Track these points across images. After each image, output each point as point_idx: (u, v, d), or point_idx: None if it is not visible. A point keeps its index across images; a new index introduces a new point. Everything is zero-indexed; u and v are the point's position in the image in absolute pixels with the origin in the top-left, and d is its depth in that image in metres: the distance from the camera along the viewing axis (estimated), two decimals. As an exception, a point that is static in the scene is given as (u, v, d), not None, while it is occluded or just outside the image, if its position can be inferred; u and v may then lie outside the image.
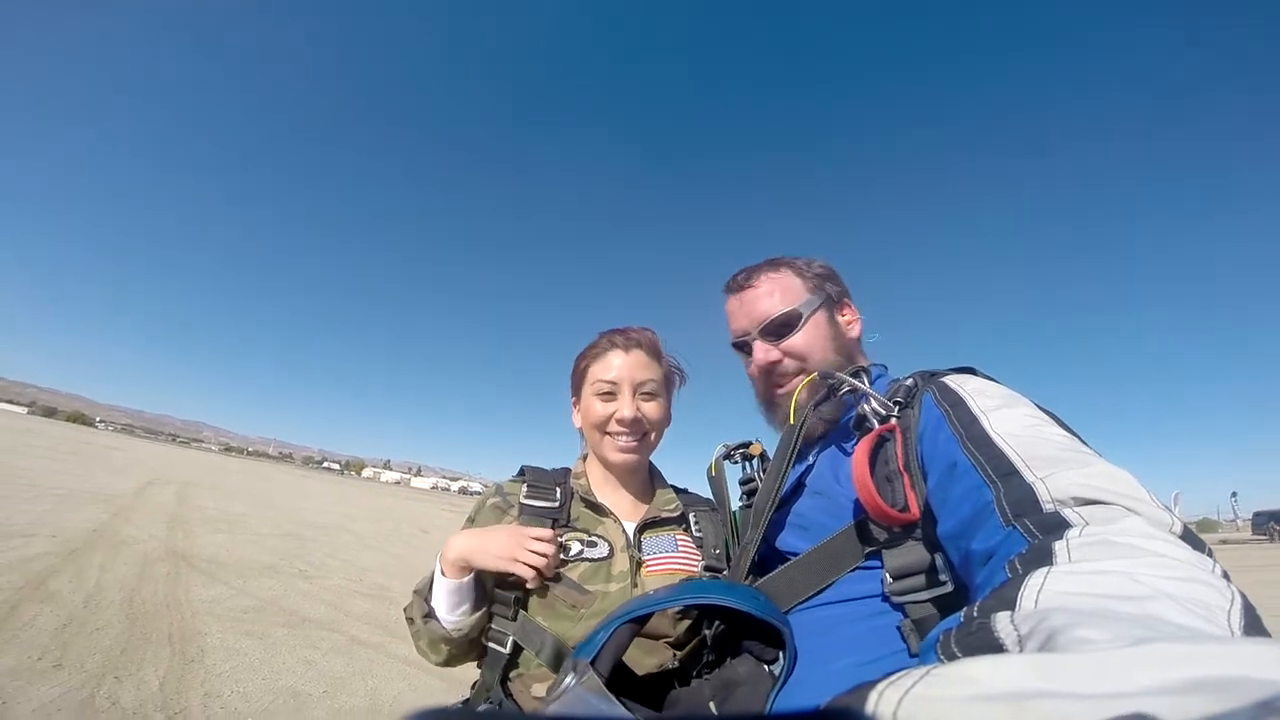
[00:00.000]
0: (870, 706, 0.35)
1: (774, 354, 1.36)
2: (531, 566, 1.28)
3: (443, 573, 1.31)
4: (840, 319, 1.41)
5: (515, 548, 1.29)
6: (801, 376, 1.34)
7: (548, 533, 1.36)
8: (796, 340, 1.35)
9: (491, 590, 1.37)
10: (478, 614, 1.33)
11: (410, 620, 1.39)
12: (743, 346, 1.44)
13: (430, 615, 1.33)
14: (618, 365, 1.48)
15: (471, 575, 1.32)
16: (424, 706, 0.31)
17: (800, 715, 0.63)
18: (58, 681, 3.82)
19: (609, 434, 1.48)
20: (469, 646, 1.37)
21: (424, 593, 1.37)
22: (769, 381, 1.40)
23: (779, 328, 1.36)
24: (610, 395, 1.47)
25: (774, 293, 1.39)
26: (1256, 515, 50.56)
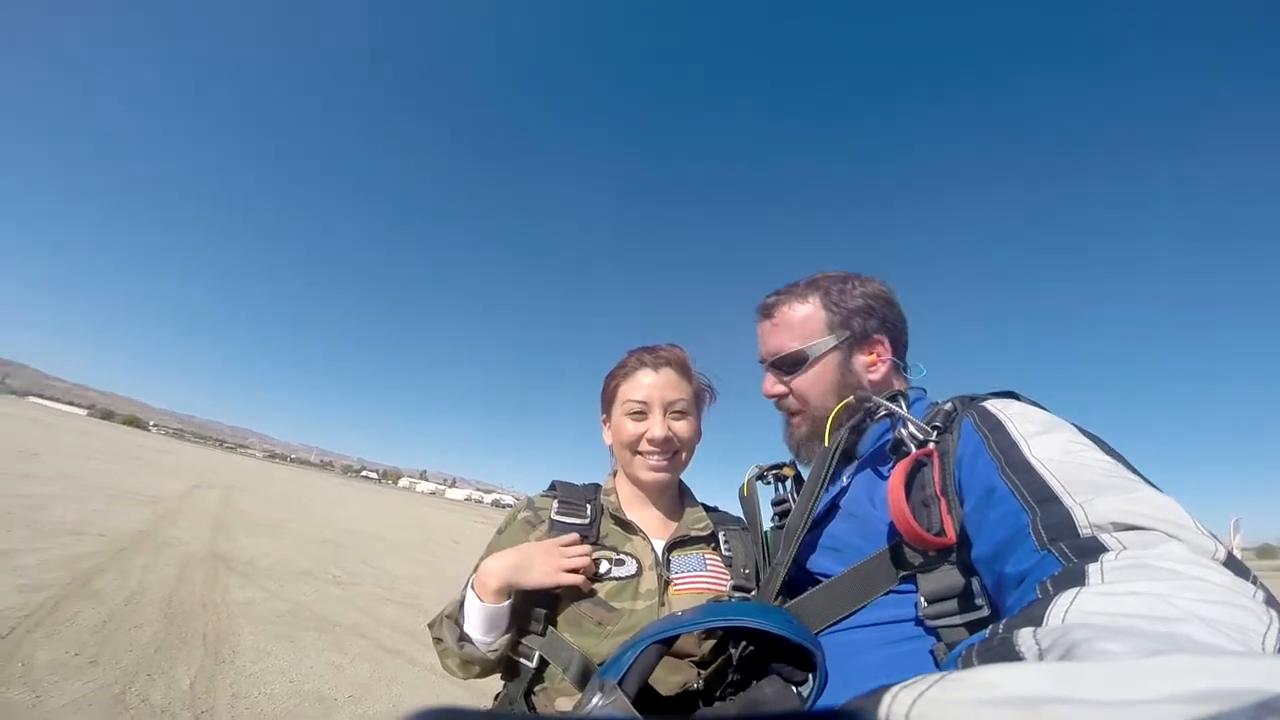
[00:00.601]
0: (884, 708, 0.35)
1: (779, 388, 1.39)
2: (577, 571, 1.30)
3: (480, 598, 1.29)
4: (860, 358, 1.35)
5: (557, 559, 1.30)
6: (802, 415, 1.37)
7: (575, 537, 1.38)
8: (799, 381, 1.36)
9: (520, 608, 1.35)
10: (510, 633, 1.32)
11: (439, 640, 1.36)
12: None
13: (464, 639, 1.30)
14: (647, 384, 1.48)
15: (511, 599, 1.30)
16: (430, 705, 0.31)
17: (815, 715, 0.64)
18: (92, 677, 3.91)
19: (640, 453, 1.47)
20: (499, 663, 1.35)
21: (455, 616, 1.33)
22: (779, 407, 1.44)
23: (785, 366, 1.37)
24: (641, 415, 1.47)
25: (790, 327, 1.38)
26: (1320, 541, 48.30)
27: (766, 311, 1.44)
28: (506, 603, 1.29)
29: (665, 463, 1.47)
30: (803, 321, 1.36)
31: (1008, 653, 0.50)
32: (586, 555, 1.34)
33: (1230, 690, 0.28)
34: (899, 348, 1.38)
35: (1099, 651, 0.40)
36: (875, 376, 1.34)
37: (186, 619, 5.54)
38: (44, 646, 4.22)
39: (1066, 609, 0.54)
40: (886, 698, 0.36)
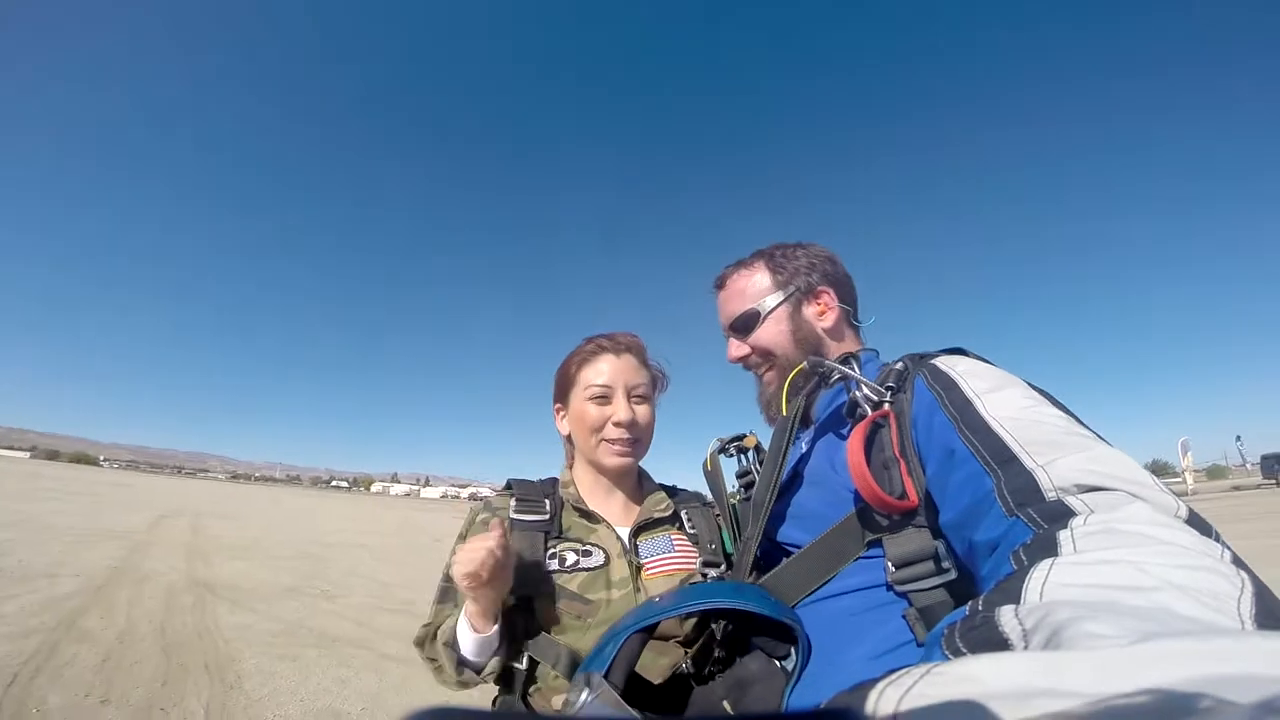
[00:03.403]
0: (870, 706, 0.35)
1: (742, 349, 1.45)
2: (471, 562, 1.16)
3: (474, 628, 1.24)
4: (809, 309, 1.41)
5: (474, 547, 1.17)
6: (770, 370, 1.42)
7: (495, 522, 1.27)
8: (756, 338, 1.42)
9: (506, 619, 1.31)
10: (502, 651, 1.28)
11: (432, 660, 1.35)
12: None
13: (463, 664, 1.28)
14: (610, 369, 1.48)
15: (501, 620, 1.26)
16: (430, 705, 0.31)
17: (800, 715, 0.62)
18: (108, 717, 3.92)
19: (605, 439, 1.46)
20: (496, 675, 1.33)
21: (453, 644, 1.28)
22: (748, 370, 1.49)
23: (742, 326, 1.44)
24: (604, 399, 1.46)
25: (742, 292, 1.46)
26: (1265, 459, 49.98)
27: (720, 284, 1.53)
28: (495, 628, 1.24)
29: (629, 448, 1.47)
30: (751, 284, 1.46)
31: (991, 634, 0.49)
32: (499, 526, 1.22)
33: (1218, 676, 0.28)
34: (846, 299, 1.45)
35: (1085, 635, 0.39)
36: (827, 324, 1.40)
37: (184, 649, 5.52)
38: (52, 691, 4.19)
39: (1043, 582, 0.54)
40: (872, 694, 0.35)
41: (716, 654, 1.24)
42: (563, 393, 1.56)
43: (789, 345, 1.39)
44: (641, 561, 1.41)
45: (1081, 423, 0.88)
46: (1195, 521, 0.63)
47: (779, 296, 1.42)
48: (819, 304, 1.42)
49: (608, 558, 1.40)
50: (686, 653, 1.27)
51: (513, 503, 1.46)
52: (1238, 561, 0.56)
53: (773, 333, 1.41)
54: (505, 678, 1.34)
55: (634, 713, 0.83)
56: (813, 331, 1.40)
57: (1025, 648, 0.45)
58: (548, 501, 1.47)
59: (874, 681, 0.37)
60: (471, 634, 1.24)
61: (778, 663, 1.07)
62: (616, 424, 1.44)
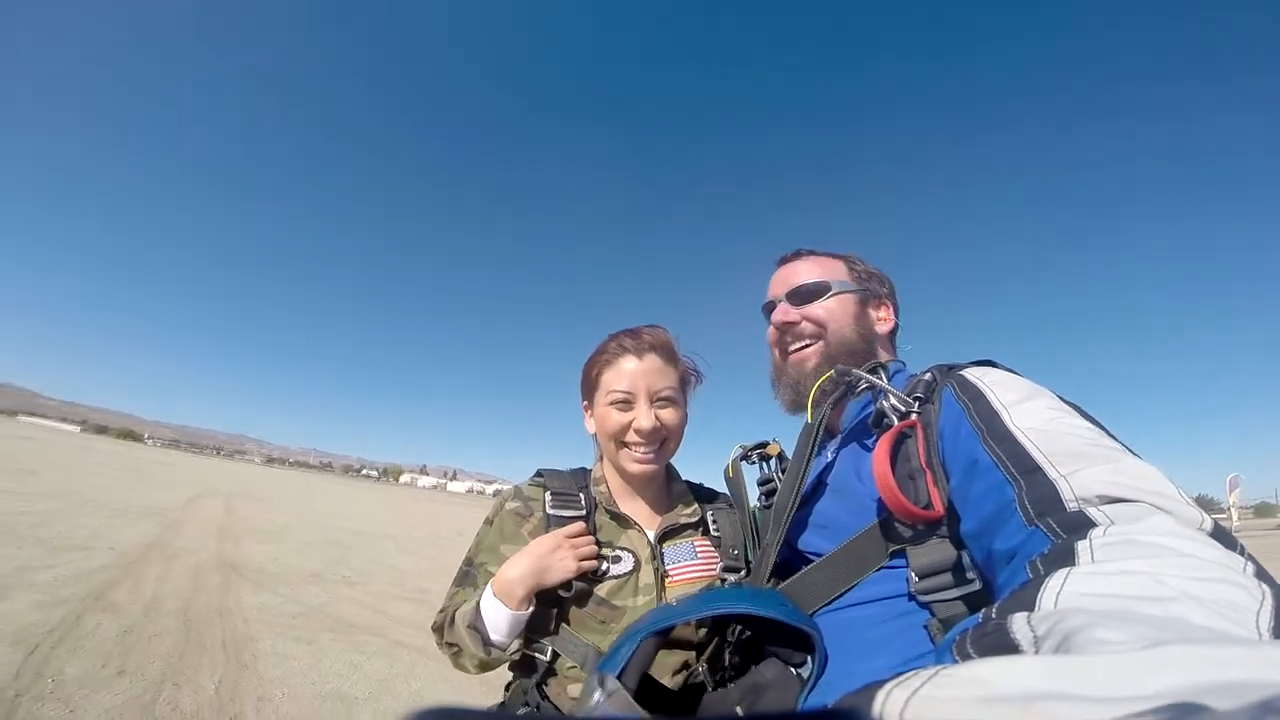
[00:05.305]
0: (877, 707, 0.34)
1: (792, 315, 1.38)
2: (588, 559, 1.33)
3: (507, 606, 1.27)
4: (874, 311, 1.43)
5: (569, 550, 1.31)
6: (815, 345, 1.37)
7: (580, 526, 1.39)
8: (816, 308, 1.37)
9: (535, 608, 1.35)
10: (523, 633, 1.33)
11: (453, 645, 1.36)
12: (770, 309, 1.47)
13: (489, 644, 1.29)
14: (631, 372, 1.41)
15: (533, 604, 1.30)
16: (431, 705, 0.30)
17: (806, 715, 0.61)
18: (121, 689, 4.00)
19: (626, 445, 1.42)
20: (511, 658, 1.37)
21: (475, 624, 1.30)
22: (782, 344, 1.43)
23: (805, 294, 1.39)
24: (626, 404, 1.41)
25: (813, 268, 1.44)
26: (1319, 497, 48.03)
27: (787, 259, 1.49)
28: (530, 608, 1.29)
29: (652, 454, 1.42)
30: (829, 265, 1.45)
31: (1002, 640, 0.48)
32: (592, 542, 1.36)
33: (1228, 683, 0.27)
34: (898, 319, 1.48)
35: (1095, 641, 0.39)
36: (884, 330, 1.42)
37: (204, 626, 5.64)
38: (71, 661, 4.30)
39: (1058, 591, 0.53)
40: (880, 695, 0.35)
41: (731, 659, 1.25)
42: (588, 393, 1.53)
43: (847, 327, 1.36)
44: (666, 569, 1.42)
45: (1111, 435, 0.86)
46: (1220, 535, 0.62)
47: (850, 285, 1.41)
48: (882, 310, 1.43)
49: (637, 563, 1.40)
50: (699, 657, 1.30)
51: (548, 496, 1.45)
52: (1261, 575, 0.54)
53: (834, 311, 1.37)
54: (525, 664, 1.36)
55: (645, 714, 0.83)
56: (870, 329, 1.39)
57: (1036, 653, 0.44)
58: (582, 495, 1.47)
59: (881, 682, 0.36)
60: (506, 612, 1.26)
61: (793, 670, 1.06)
62: (637, 430, 1.40)
